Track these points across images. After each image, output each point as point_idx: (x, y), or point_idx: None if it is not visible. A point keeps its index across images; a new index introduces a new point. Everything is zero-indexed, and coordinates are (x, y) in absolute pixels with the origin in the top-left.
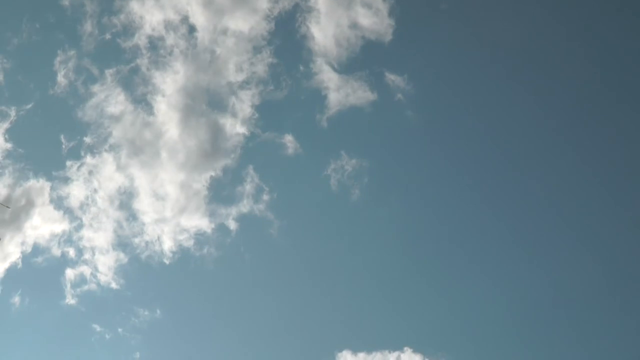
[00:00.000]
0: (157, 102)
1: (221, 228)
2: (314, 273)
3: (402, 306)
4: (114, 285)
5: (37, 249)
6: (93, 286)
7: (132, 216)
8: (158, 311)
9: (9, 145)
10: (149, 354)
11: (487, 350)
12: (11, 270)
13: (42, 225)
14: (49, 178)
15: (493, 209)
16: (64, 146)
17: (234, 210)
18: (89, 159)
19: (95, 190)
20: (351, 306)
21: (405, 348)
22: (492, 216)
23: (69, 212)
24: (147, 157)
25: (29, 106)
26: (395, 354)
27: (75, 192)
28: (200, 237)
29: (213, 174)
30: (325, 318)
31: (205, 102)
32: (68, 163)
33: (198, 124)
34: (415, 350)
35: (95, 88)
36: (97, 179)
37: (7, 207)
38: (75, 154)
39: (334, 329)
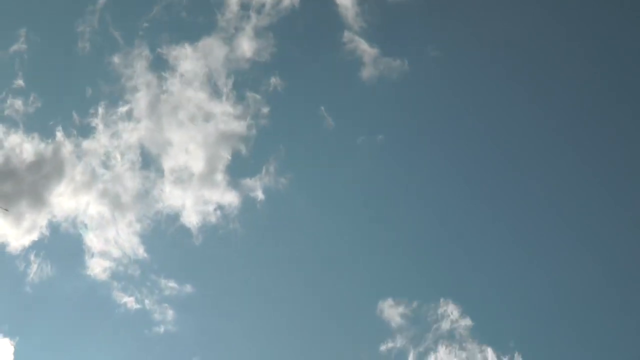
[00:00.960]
0: (179, 73)
1: (248, 200)
2: (351, 231)
3: (442, 258)
4: (139, 256)
5: (59, 219)
6: (117, 256)
7: (157, 186)
8: (186, 284)
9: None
10: (174, 327)
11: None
12: (34, 240)
13: (65, 194)
14: (73, 143)
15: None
16: (91, 110)
17: (261, 181)
18: (113, 125)
19: (120, 158)
20: (392, 259)
21: (445, 299)
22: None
23: (93, 178)
24: (174, 126)
25: (54, 61)
26: (434, 304)
27: (98, 160)
28: (226, 208)
29: (239, 145)
30: (367, 268)
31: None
32: (93, 122)
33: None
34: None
35: (118, 56)
36: (121, 147)
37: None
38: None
39: (375, 278)
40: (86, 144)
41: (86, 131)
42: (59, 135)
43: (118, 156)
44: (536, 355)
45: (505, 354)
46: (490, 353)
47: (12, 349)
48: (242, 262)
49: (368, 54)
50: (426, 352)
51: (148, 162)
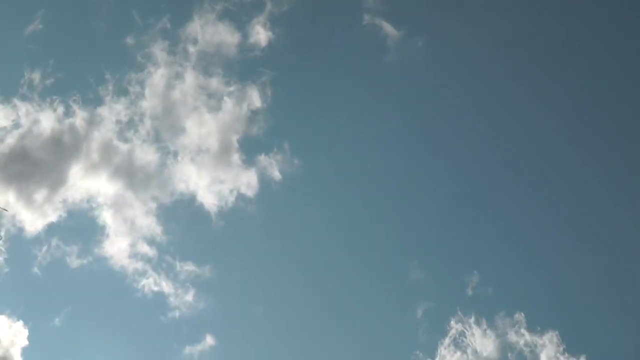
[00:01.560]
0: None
1: (266, 178)
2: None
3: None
4: (156, 237)
5: (75, 200)
6: (137, 238)
7: (173, 164)
8: (204, 265)
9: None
10: (188, 310)
11: None
12: (51, 223)
13: (81, 173)
14: (89, 120)
15: None
16: (110, 87)
17: (276, 160)
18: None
19: (134, 136)
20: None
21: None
22: None
23: (108, 157)
24: (188, 106)
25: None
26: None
27: (114, 137)
28: (243, 187)
29: (254, 124)
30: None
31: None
32: (108, 98)
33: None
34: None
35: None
36: (135, 124)
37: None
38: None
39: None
40: (101, 120)
41: (102, 107)
42: (75, 110)
43: (133, 134)
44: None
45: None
46: None
47: (26, 333)
48: (260, 243)
49: (389, 36)
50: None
51: (163, 140)
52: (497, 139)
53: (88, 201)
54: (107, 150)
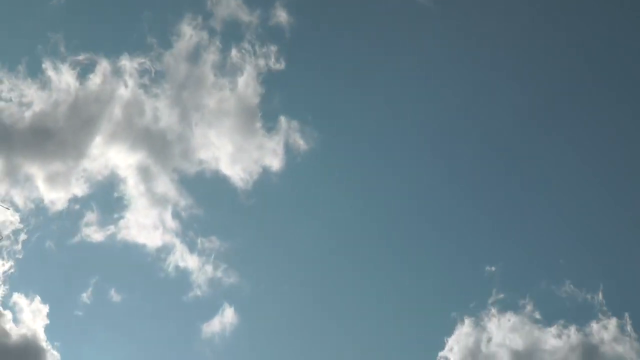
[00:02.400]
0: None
1: (291, 149)
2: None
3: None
4: (182, 212)
5: (96, 172)
6: (160, 211)
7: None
8: (227, 240)
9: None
10: (209, 288)
11: None
12: (74, 196)
13: (102, 144)
14: (110, 87)
15: None
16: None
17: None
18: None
19: (156, 103)
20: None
21: None
22: None
23: (130, 125)
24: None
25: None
26: None
27: (135, 106)
28: (270, 159)
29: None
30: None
31: None
32: (129, 65)
33: None
34: None
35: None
36: (155, 92)
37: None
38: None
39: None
40: (122, 88)
41: (122, 75)
42: (96, 76)
43: (153, 101)
44: None
45: None
46: None
47: (46, 310)
48: (286, 216)
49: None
50: None
51: (185, 108)
52: None
53: (109, 173)
54: (128, 119)
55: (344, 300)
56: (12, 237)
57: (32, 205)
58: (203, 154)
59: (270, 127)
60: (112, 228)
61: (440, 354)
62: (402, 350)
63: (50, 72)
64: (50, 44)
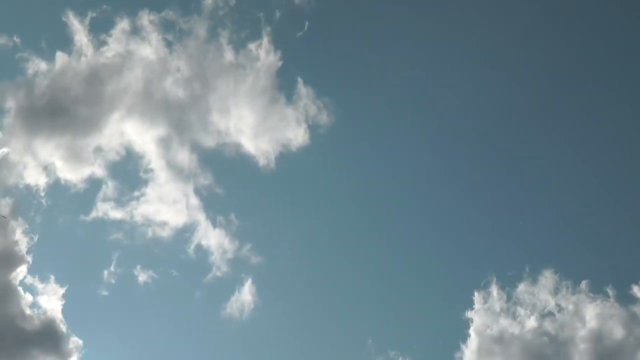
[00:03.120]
0: None
1: (313, 123)
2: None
3: None
4: (203, 190)
5: (113, 148)
6: (181, 188)
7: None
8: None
9: None
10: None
11: None
12: (91, 173)
13: (118, 118)
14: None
15: None
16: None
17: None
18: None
19: (174, 75)
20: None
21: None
22: None
23: (147, 98)
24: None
25: None
26: None
27: (154, 77)
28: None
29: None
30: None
31: None
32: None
33: None
34: None
35: None
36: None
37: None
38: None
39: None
40: (139, 57)
41: (141, 42)
42: (112, 47)
43: (171, 73)
44: None
45: None
46: None
47: (61, 292)
48: (310, 192)
49: None
50: None
51: (204, 80)
52: None
53: (127, 148)
54: (146, 90)
55: (367, 276)
56: (30, 217)
57: (48, 183)
58: (223, 127)
59: (291, 99)
60: (131, 205)
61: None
62: (429, 315)
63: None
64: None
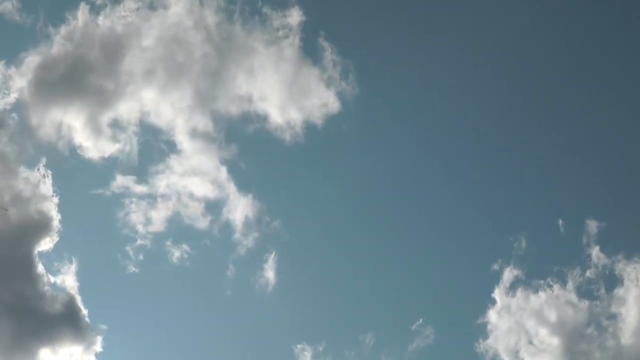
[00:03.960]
0: None
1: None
2: None
3: None
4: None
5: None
6: (204, 161)
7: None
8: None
9: None
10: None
11: None
12: (110, 147)
13: (135, 86)
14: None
15: None
16: None
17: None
18: None
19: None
20: None
21: None
22: None
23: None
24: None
25: None
26: None
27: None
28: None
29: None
30: None
31: None
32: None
33: None
34: None
35: None
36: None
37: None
38: None
39: None
40: (159, 23)
41: (161, 8)
42: (130, 10)
43: (192, 36)
44: None
45: None
46: None
47: (74, 267)
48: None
49: None
50: None
51: (228, 44)
52: None
53: (149, 118)
54: (168, 56)
55: (394, 250)
56: (51, 194)
57: (66, 156)
58: (248, 94)
59: (318, 64)
60: (154, 178)
61: None
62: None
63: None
64: None
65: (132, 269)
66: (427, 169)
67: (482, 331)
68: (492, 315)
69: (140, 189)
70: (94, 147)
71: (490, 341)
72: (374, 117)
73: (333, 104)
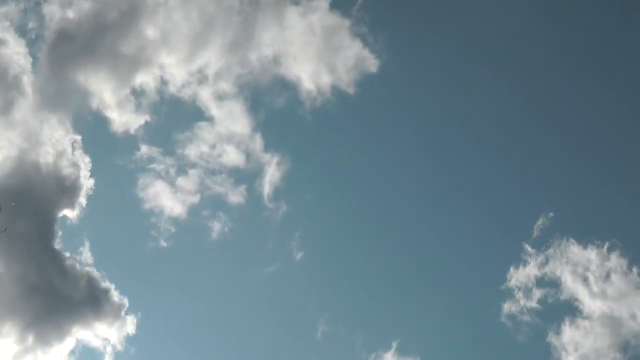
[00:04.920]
0: None
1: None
2: None
3: None
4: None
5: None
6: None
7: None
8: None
9: None
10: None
11: None
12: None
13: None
14: None
15: None
16: None
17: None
18: None
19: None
20: None
21: None
22: None
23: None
24: None
25: None
26: None
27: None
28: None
29: None
30: None
31: None
32: None
33: None
34: None
35: None
36: None
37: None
38: None
39: None
40: None
41: None
42: None
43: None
44: None
45: None
46: None
47: (114, 250)
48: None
49: None
50: None
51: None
52: None
53: (174, 85)
54: (193, 19)
55: (431, 218)
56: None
57: (93, 125)
58: (274, 54)
59: (350, 20)
60: (182, 147)
61: None
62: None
63: None
64: None
65: (162, 243)
66: (467, 142)
67: None
68: None
69: (168, 159)
70: (120, 115)
71: None
72: (409, 80)
73: (367, 64)
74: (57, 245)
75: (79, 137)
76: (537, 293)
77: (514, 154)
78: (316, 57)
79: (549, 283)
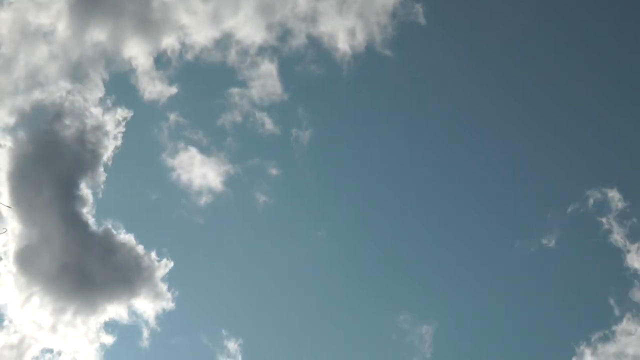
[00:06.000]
0: None
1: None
2: None
3: None
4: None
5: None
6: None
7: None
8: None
9: None
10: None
11: None
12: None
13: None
14: None
15: None
16: None
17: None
18: None
19: None
20: None
21: None
22: None
23: None
24: None
25: None
26: None
27: None
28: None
29: None
30: None
31: None
32: None
33: None
34: None
35: None
36: None
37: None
38: None
39: None
40: None
41: None
42: None
43: None
44: None
45: None
46: None
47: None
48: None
49: None
50: None
51: None
52: None
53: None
54: None
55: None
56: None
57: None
58: (306, 12)
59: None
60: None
61: None
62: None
63: None
64: None
65: (198, 220)
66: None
67: None
68: None
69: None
70: (151, 82)
71: None
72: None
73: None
74: (87, 215)
75: (107, 103)
76: None
77: None
78: (354, 15)
79: None
